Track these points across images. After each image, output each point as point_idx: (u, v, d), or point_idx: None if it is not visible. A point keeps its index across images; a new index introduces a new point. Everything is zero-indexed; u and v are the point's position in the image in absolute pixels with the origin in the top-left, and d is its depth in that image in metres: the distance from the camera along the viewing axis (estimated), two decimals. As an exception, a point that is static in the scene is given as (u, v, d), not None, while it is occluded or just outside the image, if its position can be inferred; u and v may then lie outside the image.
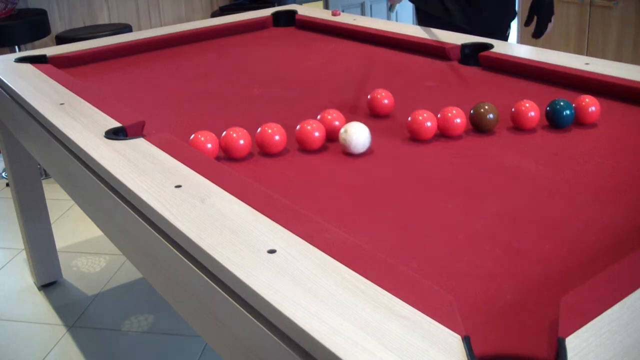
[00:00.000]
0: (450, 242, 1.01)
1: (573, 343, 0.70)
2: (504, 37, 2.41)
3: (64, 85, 1.77)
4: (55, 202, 3.14)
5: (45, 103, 1.63)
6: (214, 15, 4.00)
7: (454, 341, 0.72)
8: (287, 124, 1.47)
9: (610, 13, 3.62)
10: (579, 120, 1.45)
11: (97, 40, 2.31)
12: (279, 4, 3.77)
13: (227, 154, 1.38)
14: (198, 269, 0.98)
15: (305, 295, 0.81)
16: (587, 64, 1.72)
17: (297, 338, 0.77)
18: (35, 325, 2.28)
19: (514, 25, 2.77)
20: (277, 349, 0.81)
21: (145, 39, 2.30)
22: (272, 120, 1.54)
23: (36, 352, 2.13)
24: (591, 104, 1.44)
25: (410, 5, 3.90)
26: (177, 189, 1.14)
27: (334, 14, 2.51)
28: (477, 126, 1.44)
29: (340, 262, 0.88)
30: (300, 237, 0.96)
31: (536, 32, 2.29)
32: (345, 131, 1.36)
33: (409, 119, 1.42)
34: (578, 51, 3.82)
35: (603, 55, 3.68)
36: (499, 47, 1.92)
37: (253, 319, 0.85)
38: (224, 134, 1.38)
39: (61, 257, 2.61)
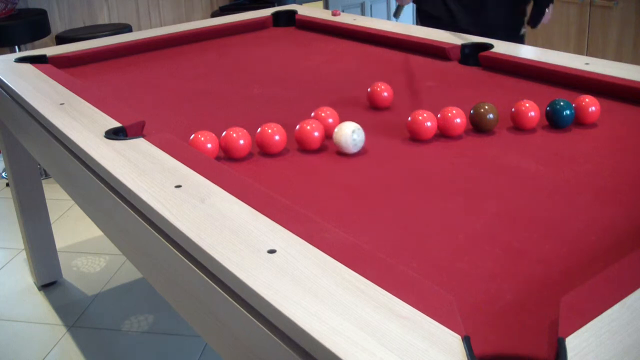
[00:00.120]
0: (450, 242, 1.01)
1: (573, 343, 0.70)
2: (518, 35, 2.35)
3: (64, 85, 1.77)
4: (55, 202, 3.14)
5: (45, 103, 1.63)
6: (214, 15, 4.00)
7: (454, 341, 0.72)
8: (287, 124, 1.47)
9: (610, 13, 3.62)
10: (579, 120, 1.45)
11: (97, 40, 2.31)
12: (279, 4, 3.77)
13: (227, 154, 1.38)
14: (198, 269, 0.98)
15: (305, 295, 0.81)
16: (587, 64, 1.72)
17: (297, 338, 0.77)
18: (35, 325, 2.28)
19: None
20: (277, 349, 0.81)
21: (145, 39, 2.30)
22: (272, 120, 1.54)
23: (36, 352, 2.13)
24: (591, 104, 1.44)
25: (411, 5, 3.90)
26: (177, 189, 1.14)
27: (334, 14, 2.51)
28: (477, 126, 1.44)
29: (340, 262, 0.88)
30: (300, 237, 0.96)
31: (532, 20, 2.26)
32: (336, 132, 1.36)
33: (409, 119, 1.42)
34: (578, 51, 3.82)
35: (603, 55, 3.68)
36: (499, 47, 1.92)
37: (253, 319, 0.85)
38: (224, 134, 1.38)
39: (61, 257, 2.61)
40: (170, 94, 1.83)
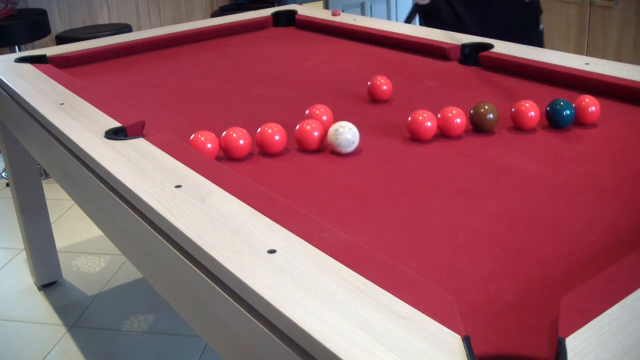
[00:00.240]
0: (450, 242, 1.01)
1: (573, 343, 0.70)
2: (535, 34, 2.33)
3: (64, 85, 1.77)
4: (55, 202, 3.14)
5: (45, 103, 1.63)
6: (214, 15, 4.00)
7: (454, 341, 0.72)
8: (287, 124, 1.47)
9: (610, 13, 3.62)
10: (579, 120, 1.45)
11: (97, 40, 2.31)
12: (279, 4, 3.77)
13: (227, 154, 1.38)
14: (198, 269, 0.98)
15: (305, 295, 0.81)
16: (587, 64, 1.72)
17: (297, 338, 0.77)
18: (35, 325, 2.28)
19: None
20: (277, 349, 0.81)
21: (145, 39, 2.30)
22: (272, 120, 1.54)
23: (36, 352, 2.13)
24: (591, 104, 1.44)
25: (411, 6, 3.90)
26: (177, 189, 1.14)
27: (334, 14, 2.51)
28: (477, 126, 1.44)
29: (340, 262, 0.88)
30: (300, 237, 0.96)
31: None
32: (331, 132, 1.37)
33: (409, 119, 1.42)
34: (578, 51, 3.82)
35: (603, 55, 3.68)
36: (499, 47, 1.92)
37: (253, 319, 0.85)
38: (224, 134, 1.38)
39: (61, 257, 2.61)
40: (170, 94, 1.83)
